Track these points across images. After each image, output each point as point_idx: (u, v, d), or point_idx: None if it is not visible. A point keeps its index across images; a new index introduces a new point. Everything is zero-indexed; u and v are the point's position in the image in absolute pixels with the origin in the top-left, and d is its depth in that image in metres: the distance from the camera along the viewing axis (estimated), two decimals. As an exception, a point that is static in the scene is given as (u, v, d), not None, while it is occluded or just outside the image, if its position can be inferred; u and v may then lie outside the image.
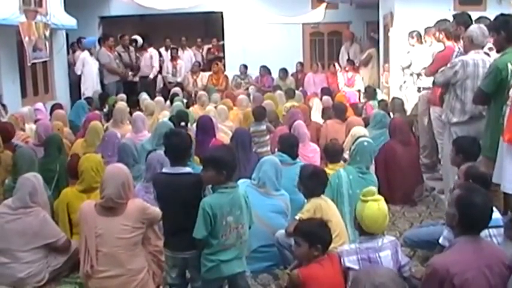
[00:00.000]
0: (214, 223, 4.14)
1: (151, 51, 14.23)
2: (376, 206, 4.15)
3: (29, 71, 11.33)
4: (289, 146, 6.14)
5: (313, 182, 4.93)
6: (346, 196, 5.49)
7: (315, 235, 4.00)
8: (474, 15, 7.38)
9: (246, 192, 4.31)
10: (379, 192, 5.55)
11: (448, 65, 6.22)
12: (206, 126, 7.47)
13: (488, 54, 6.27)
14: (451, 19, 7.39)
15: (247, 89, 14.11)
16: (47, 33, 11.08)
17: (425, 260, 5.33)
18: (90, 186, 5.42)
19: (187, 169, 4.50)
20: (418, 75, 8.74)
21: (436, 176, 7.96)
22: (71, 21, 12.59)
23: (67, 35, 13.26)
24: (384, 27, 11.66)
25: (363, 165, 5.65)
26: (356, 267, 4.08)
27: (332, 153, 6.10)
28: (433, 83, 7.00)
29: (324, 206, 4.81)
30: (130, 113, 10.48)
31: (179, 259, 4.52)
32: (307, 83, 14.06)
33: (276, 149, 6.39)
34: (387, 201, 6.44)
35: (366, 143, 5.72)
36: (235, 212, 4.20)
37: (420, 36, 9.14)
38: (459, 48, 6.64)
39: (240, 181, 5.24)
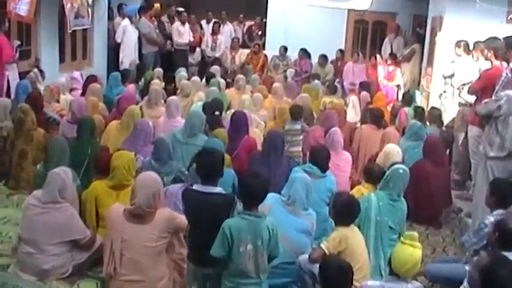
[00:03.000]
0: (231, 245, 4.19)
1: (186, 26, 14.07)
2: (410, 251, 4.19)
3: (69, 37, 11.40)
4: (320, 159, 6.11)
5: (344, 211, 4.92)
6: (373, 221, 5.44)
7: (334, 282, 3.97)
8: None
9: (273, 225, 4.28)
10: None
11: (493, 98, 6.10)
12: (240, 123, 7.40)
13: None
14: (502, 32, 7.18)
15: (285, 71, 13.98)
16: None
17: (442, 296, 5.33)
18: (120, 183, 5.42)
19: (218, 189, 4.55)
20: (458, 89, 8.55)
21: (465, 196, 7.82)
22: (113, -12, 12.61)
23: (109, 1, 13.20)
24: (431, 29, 11.35)
25: (394, 192, 5.57)
26: (376, 304, 4.14)
27: (374, 175, 6.03)
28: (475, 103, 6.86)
29: (351, 237, 4.78)
30: (165, 89, 10.56)
31: (200, 274, 4.62)
32: (346, 72, 13.78)
33: (307, 159, 6.34)
34: (412, 220, 6.62)
35: (401, 171, 5.62)
36: (256, 242, 4.22)
37: (468, 46, 8.88)
38: (507, 74, 6.45)
39: (270, 195, 5.24)
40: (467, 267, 4.80)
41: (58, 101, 8.88)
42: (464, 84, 8.30)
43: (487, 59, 7.74)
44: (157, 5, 14.38)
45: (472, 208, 6.78)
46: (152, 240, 4.55)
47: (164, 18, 13.98)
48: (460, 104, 8.46)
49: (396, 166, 5.71)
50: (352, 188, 6.77)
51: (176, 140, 7.08)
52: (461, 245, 5.10)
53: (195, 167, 5.44)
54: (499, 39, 7.41)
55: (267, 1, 15.44)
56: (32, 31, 10.19)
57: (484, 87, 7.15)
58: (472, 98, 7.84)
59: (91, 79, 9.78)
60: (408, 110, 9.40)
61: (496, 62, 7.31)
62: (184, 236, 4.79)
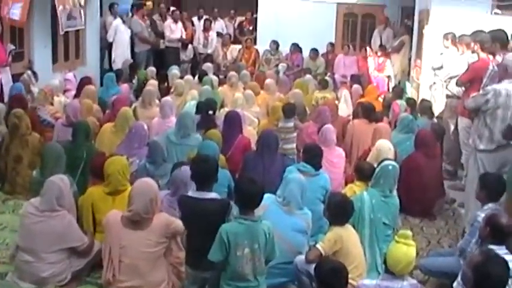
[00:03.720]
0: (229, 250, 4.28)
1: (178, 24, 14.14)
2: (404, 250, 4.22)
3: (61, 37, 11.41)
4: (313, 158, 6.19)
5: (339, 212, 4.98)
6: (367, 220, 5.50)
7: (329, 283, 4.05)
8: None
9: (269, 229, 4.37)
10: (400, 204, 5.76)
11: (481, 92, 6.17)
12: (233, 123, 7.48)
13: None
14: (488, 23, 7.25)
15: (277, 65, 14.07)
16: (82, 0, 11.11)
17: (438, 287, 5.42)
18: (116, 189, 5.45)
19: (213, 194, 4.63)
20: (445, 82, 8.66)
21: (457, 186, 7.94)
22: (105, -13, 12.61)
23: (101, 0, 13.21)
24: (419, 22, 11.43)
25: (386, 188, 5.64)
26: (372, 303, 4.22)
27: (365, 173, 6.09)
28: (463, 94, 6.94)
29: (345, 237, 4.85)
30: (159, 87, 10.61)
31: (199, 277, 4.70)
32: (337, 65, 13.92)
33: (301, 159, 6.43)
34: (406, 213, 6.71)
35: (390, 167, 5.69)
36: (253, 246, 4.31)
37: (455, 37, 8.99)
38: (493, 67, 6.53)
39: (266, 196, 5.32)
40: (461, 261, 4.91)
41: (52, 104, 8.91)
42: (451, 78, 8.41)
43: (473, 51, 7.84)
44: (149, 3, 14.39)
45: (464, 198, 6.88)
46: (150, 245, 4.63)
47: (156, 17, 14.01)
48: (448, 96, 8.56)
49: (385, 162, 5.78)
50: (346, 182, 6.85)
51: (170, 141, 7.15)
52: (462, 251, 5.12)
53: (176, 172, 5.53)
54: (484, 32, 7.50)
55: (257, -4, 15.49)
56: (24, 33, 10.23)
57: (472, 79, 7.27)
58: (459, 91, 7.97)
59: (85, 80, 9.81)
60: (400, 103, 9.49)
61: (483, 55, 7.38)
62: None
